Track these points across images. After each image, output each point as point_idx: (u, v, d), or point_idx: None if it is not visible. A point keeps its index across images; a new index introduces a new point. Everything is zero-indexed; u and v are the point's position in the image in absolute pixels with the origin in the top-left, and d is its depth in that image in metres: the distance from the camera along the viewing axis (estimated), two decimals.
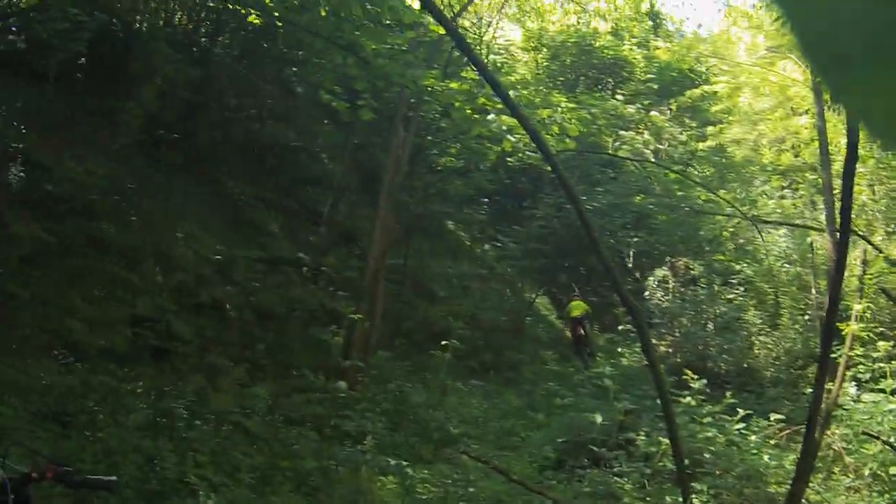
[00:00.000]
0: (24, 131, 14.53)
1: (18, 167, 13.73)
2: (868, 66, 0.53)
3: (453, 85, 11.10)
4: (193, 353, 12.11)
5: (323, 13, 10.85)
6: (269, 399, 11.58)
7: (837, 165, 11.47)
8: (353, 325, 12.75)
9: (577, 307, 18.77)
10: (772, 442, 12.33)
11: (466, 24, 22.06)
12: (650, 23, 32.54)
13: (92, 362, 10.22)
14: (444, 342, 12.86)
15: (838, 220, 7.31)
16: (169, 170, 15.47)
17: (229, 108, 15.38)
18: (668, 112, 27.56)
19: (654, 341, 18.01)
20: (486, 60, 19.22)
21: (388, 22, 11.72)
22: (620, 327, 19.23)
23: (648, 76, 27.81)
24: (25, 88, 16.02)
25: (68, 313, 10.94)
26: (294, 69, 17.07)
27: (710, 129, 25.39)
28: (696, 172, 23.36)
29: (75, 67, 17.28)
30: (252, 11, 12.47)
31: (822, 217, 15.52)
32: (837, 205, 8.07)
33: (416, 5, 11.80)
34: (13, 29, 14.81)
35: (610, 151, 20.81)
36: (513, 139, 12.06)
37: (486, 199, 20.53)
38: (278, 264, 15.06)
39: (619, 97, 25.01)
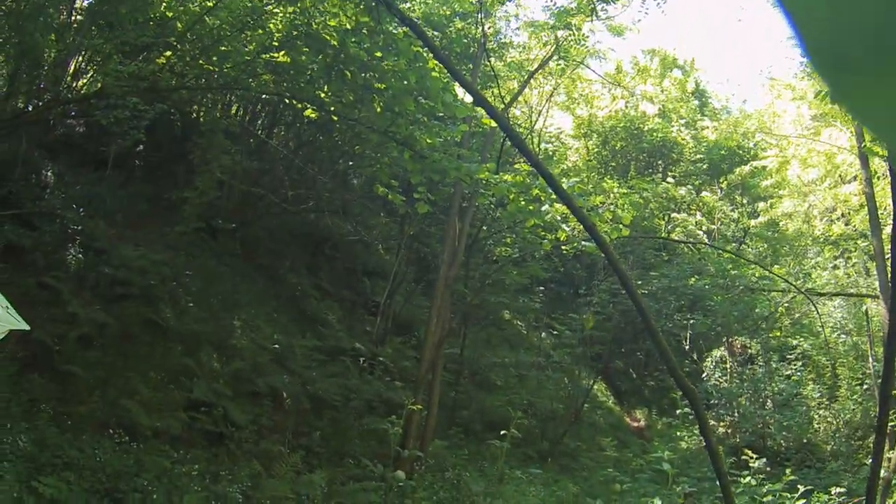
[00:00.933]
0: (82, 214, 14.95)
1: (77, 249, 14.11)
2: (870, 67, 0.54)
3: (507, 177, 11.22)
4: (249, 438, 12.21)
5: (378, 109, 11.09)
6: (324, 486, 11.58)
7: (889, 230, 11.33)
8: (409, 415, 12.76)
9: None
10: None
11: (517, 112, 22.35)
12: (696, 102, 32.70)
13: (147, 443, 10.39)
14: (502, 431, 12.83)
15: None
16: (226, 258, 15.77)
17: (286, 199, 15.70)
18: (720, 191, 27.54)
19: (712, 423, 17.77)
20: (537, 149, 19.44)
21: (441, 114, 11.90)
22: (679, 411, 18.99)
23: (698, 156, 27.88)
24: (85, 173, 16.54)
25: (125, 394, 11.15)
26: (350, 163, 17.37)
27: (760, 204, 25.27)
28: (749, 249, 23.21)
29: (134, 154, 17.80)
30: (308, 106, 12.77)
31: (877, 284, 15.29)
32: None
33: (468, 99, 12.00)
34: (73, 114, 15.25)
35: (663, 235, 20.77)
36: (567, 228, 12.12)
37: (541, 288, 20.57)
38: (335, 354, 15.19)
39: (669, 179, 25.07)
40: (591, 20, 17.20)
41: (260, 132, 17.97)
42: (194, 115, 17.44)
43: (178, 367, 12.47)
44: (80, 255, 14.03)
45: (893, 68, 0.54)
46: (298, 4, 11.04)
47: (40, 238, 13.64)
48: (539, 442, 16.58)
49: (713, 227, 25.30)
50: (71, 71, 16.77)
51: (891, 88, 0.55)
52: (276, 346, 14.06)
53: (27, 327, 2.86)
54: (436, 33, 16.41)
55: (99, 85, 13.66)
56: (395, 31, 10.97)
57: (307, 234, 18.57)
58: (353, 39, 10.88)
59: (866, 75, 0.55)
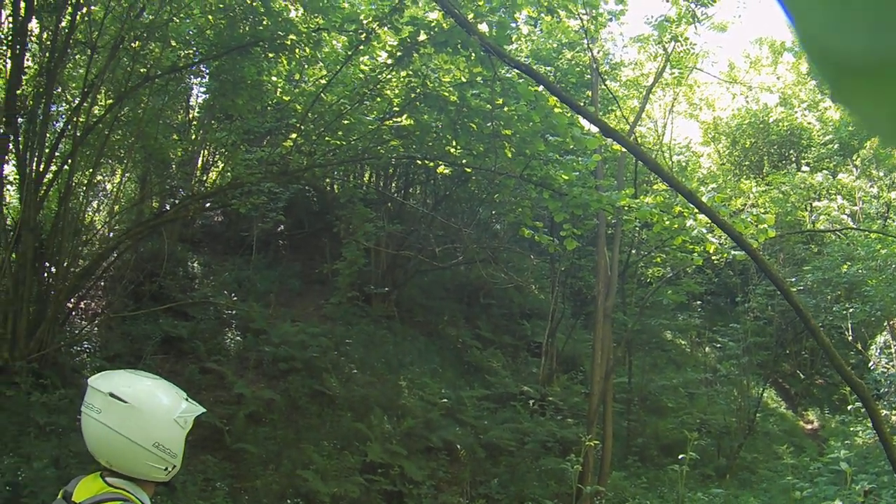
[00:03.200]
0: (234, 298, 15.49)
1: (234, 332, 14.63)
2: (871, 68, 0.52)
3: (648, 199, 11.14)
4: (428, 494, 12.34)
5: (509, 154, 11.14)
6: None
7: None
8: (586, 451, 12.67)
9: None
10: None
11: (643, 130, 22.18)
12: (813, 82, 31.76)
13: None
14: (680, 455, 12.60)
15: None
16: (384, 322, 16.08)
17: (434, 256, 15.94)
18: (855, 169, 26.58)
19: (884, 412, 17.00)
20: (669, 162, 19.22)
21: (572, 147, 11.87)
22: (850, 407, 18.25)
23: (826, 138, 27.06)
24: (230, 259, 17.17)
25: (300, 465, 11.46)
26: (493, 211, 17.52)
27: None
28: (895, 224, 22.26)
29: (276, 235, 18.39)
30: (440, 162, 12.94)
31: None
32: None
33: (595, 128, 11.91)
34: (208, 206, 15.80)
35: (807, 226, 20.16)
36: (714, 240, 11.90)
37: (698, 302, 20.24)
38: (504, 400, 15.27)
39: (804, 168, 24.35)
40: (694, 25, 16.94)
41: (396, 195, 18.31)
42: (328, 187, 17.91)
43: (350, 433, 12.74)
44: (239, 338, 14.56)
45: (894, 69, 0.52)
46: (410, 68, 11.18)
47: (196, 326, 14.23)
48: (716, 459, 16.23)
49: (855, 208, 24.38)
50: (199, 165, 17.46)
51: (892, 89, 0.53)
52: (445, 399, 14.22)
53: (204, 409, 3.05)
54: (548, 68, 16.46)
55: (229, 175, 14.13)
56: (509, 76, 11.02)
57: (460, 287, 18.83)
58: (471, 92, 10.97)
59: (867, 75, 0.53)
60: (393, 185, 19.17)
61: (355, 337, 15.24)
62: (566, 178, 10.85)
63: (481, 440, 13.84)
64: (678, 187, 8.41)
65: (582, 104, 16.48)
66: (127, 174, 14.61)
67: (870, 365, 19.87)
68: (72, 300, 12.33)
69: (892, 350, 20.28)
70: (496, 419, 14.61)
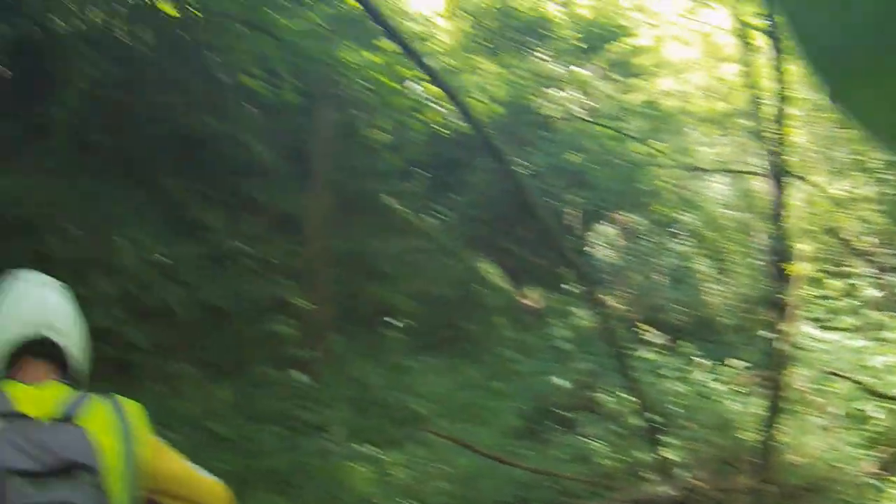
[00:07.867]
0: None
1: None
2: (870, 70, 0.53)
3: (372, 57, 10.94)
4: (152, 362, 11.84)
5: None
6: (231, 400, 11.42)
7: (767, 110, 11.38)
8: (302, 314, 12.57)
9: None
10: (739, 389, 12.29)
11: None
12: None
13: None
14: (394, 322, 12.69)
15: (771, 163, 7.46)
16: (103, 176, 15.08)
17: (158, 105, 14.95)
18: (601, 70, 27.53)
19: (603, 297, 18.00)
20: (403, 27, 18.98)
21: None
22: (564, 286, 19.03)
23: (571, 34, 27.79)
24: None
25: None
26: (218, 60, 16.66)
27: (635, 80, 25.42)
28: (628, 127, 23.39)
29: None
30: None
31: (758, 161, 15.55)
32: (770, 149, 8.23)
33: None
34: None
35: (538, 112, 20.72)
36: (441, 109, 11.94)
37: (422, 171, 20.21)
38: (222, 258, 14.77)
39: (543, 57, 24.87)
40: None
41: (119, 36, 16.99)
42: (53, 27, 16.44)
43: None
44: None
45: (894, 70, 0.53)
46: None
47: None
48: (435, 328, 16.50)
49: (592, 104, 25.28)
50: None
51: (891, 91, 0.54)
52: (164, 258, 13.48)
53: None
54: None
55: None
56: None
57: (181, 138, 17.70)
58: None
59: (866, 77, 0.54)
60: (115, 22, 17.77)
61: (76, 193, 14.18)
62: (293, 27, 10.46)
63: (200, 300, 13.39)
64: (406, 46, 8.32)
65: None
66: None
67: (587, 250, 20.90)
68: None
69: (615, 241, 21.46)
70: (214, 279, 14.14)
